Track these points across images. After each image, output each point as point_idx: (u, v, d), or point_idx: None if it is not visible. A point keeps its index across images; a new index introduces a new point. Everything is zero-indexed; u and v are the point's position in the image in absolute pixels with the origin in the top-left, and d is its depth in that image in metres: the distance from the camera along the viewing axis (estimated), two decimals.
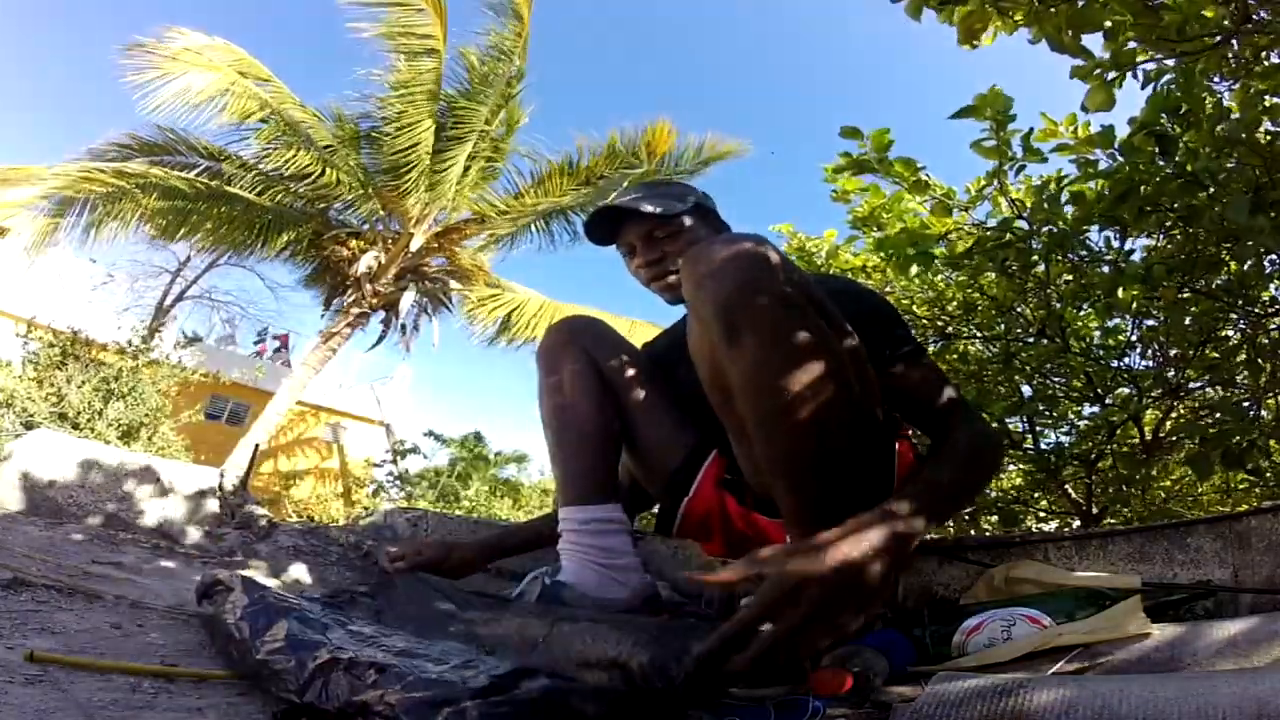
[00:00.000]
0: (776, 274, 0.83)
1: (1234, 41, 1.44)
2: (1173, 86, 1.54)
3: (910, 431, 1.10)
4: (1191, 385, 2.06)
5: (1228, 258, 1.73)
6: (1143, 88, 1.54)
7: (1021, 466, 2.47)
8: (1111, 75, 1.48)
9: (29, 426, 5.42)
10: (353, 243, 8.17)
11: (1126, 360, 2.07)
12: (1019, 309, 2.07)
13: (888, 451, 1.01)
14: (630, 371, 1.23)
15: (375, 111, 7.46)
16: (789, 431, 0.82)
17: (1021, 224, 1.85)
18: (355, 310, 8.11)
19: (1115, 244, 1.85)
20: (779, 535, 0.99)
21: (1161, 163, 1.57)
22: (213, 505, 1.89)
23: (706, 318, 0.86)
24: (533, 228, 8.91)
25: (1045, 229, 1.78)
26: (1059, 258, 1.83)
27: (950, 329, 2.18)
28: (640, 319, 8.39)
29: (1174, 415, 2.20)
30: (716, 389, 0.95)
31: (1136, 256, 1.85)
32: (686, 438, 1.18)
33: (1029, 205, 1.89)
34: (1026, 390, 2.19)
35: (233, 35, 7.40)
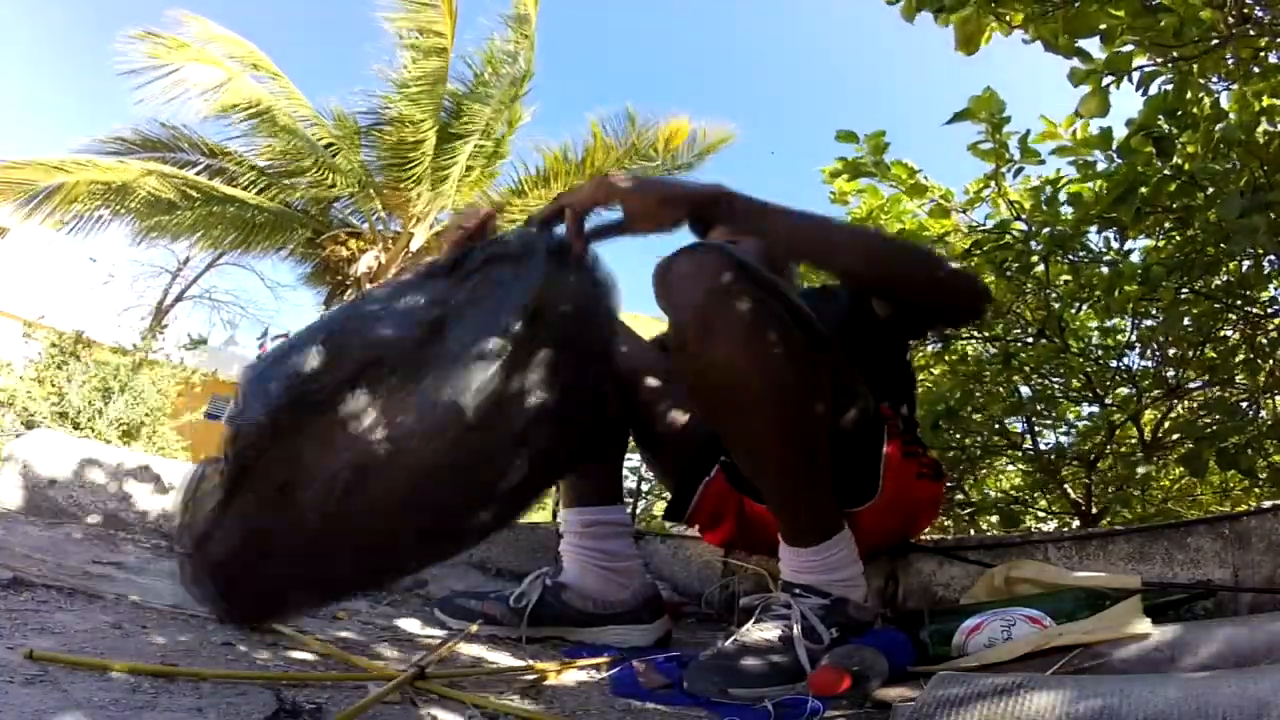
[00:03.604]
0: (742, 278, 0.89)
1: (1231, 43, 1.43)
2: (1168, 89, 1.53)
3: (903, 438, 1.10)
4: (1190, 385, 2.05)
5: (1225, 258, 1.73)
6: (1137, 89, 1.54)
7: (1021, 467, 2.47)
8: (1108, 80, 1.48)
9: (30, 426, 5.41)
10: (352, 242, 8.16)
11: (1125, 360, 2.06)
12: (1018, 309, 2.07)
13: (871, 444, 1.03)
14: (643, 358, 1.23)
15: (380, 109, 7.41)
16: (764, 425, 0.88)
17: (1020, 225, 1.84)
18: None
19: (1114, 245, 1.84)
20: (774, 521, 1.00)
21: (1159, 163, 1.57)
22: None
23: (680, 322, 0.90)
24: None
25: (1044, 230, 1.78)
26: (1058, 258, 1.83)
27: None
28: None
29: (1173, 415, 2.20)
30: (697, 390, 0.98)
31: (1135, 257, 1.85)
32: (702, 424, 1.18)
33: (1027, 207, 1.89)
34: (1025, 390, 2.19)
35: (242, 29, 7.38)
